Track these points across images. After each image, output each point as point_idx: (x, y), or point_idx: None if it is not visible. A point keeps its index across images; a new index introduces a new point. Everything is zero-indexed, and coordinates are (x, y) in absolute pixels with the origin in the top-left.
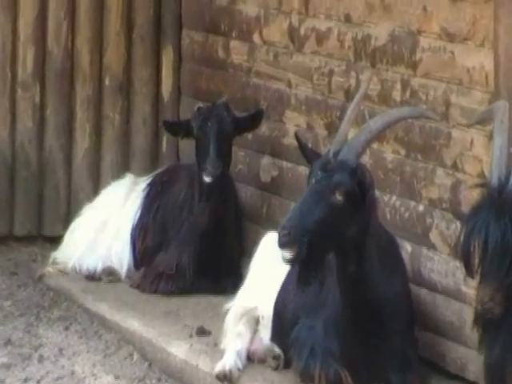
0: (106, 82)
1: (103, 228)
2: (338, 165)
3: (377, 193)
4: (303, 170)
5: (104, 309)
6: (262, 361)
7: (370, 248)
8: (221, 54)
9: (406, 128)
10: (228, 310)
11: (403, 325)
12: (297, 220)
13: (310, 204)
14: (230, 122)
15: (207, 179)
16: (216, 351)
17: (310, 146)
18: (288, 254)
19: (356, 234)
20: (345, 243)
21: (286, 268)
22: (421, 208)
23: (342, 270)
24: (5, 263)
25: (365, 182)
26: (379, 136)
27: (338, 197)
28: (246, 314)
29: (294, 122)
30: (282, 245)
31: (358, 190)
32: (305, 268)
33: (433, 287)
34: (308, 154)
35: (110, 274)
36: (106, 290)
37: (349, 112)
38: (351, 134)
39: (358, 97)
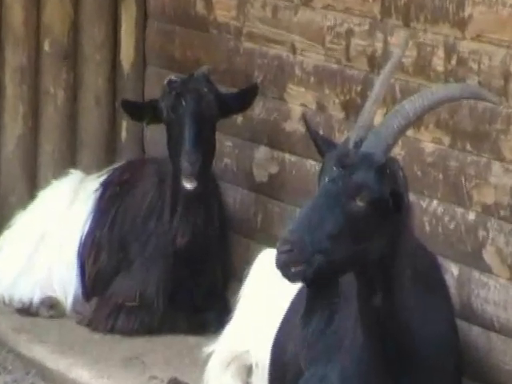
0: (46, 46)
1: (41, 244)
2: (361, 159)
3: (411, 196)
4: (312, 165)
5: (43, 354)
6: None
7: (401, 272)
8: (200, 8)
9: (450, 108)
10: (210, 355)
11: (447, 376)
12: (303, 232)
13: (322, 211)
14: (213, 101)
15: (187, 186)
16: None
17: (321, 132)
18: (291, 269)
19: (383, 254)
20: (368, 265)
21: (288, 298)
22: (471, 217)
23: (365, 301)
24: None
25: (396, 184)
26: (416, 122)
27: (360, 203)
28: (234, 361)
29: (299, 100)
30: (282, 265)
31: (387, 194)
32: (313, 294)
33: (487, 324)
34: (319, 142)
35: (50, 307)
36: (45, 328)
37: (376, 88)
38: (378, 117)
39: (388, 67)
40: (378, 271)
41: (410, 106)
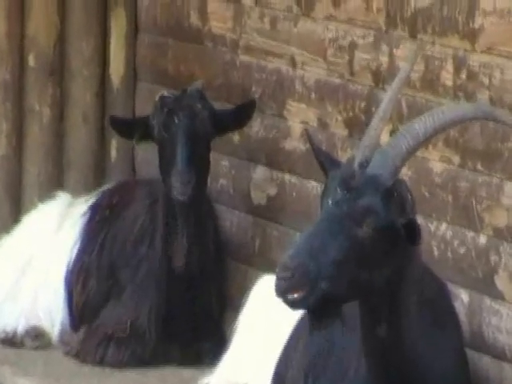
0: (30, 61)
1: (26, 270)
2: (367, 182)
3: (419, 219)
4: (313, 186)
5: None
6: None
7: (408, 299)
8: (194, 20)
9: (460, 126)
10: None
11: None
12: (304, 257)
13: (325, 236)
14: (207, 118)
15: (179, 197)
16: None
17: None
18: (294, 295)
19: (389, 280)
20: (373, 293)
21: (288, 327)
22: (482, 241)
23: (369, 330)
24: None
25: (405, 209)
26: (426, 143)
27: (366, 229)
28: None
29: (299, 117)
30: (282, 292)
31: (394, 219)
32: (315, 319)
33: (499, 354)
34: (323, 160)
35: (36, 337)
36: (30, 359)
37: (383, 104)
38: (383, 135)
39: (396, 82)
40: (383, 298)
41: (420, 125)
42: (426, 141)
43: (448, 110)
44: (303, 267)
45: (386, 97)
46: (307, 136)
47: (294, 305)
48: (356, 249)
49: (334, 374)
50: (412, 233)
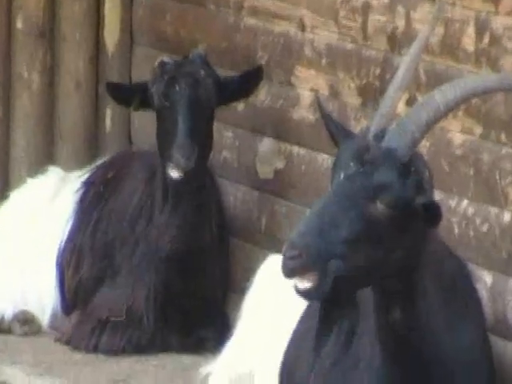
0: (18, 23)
1: (14, 251)
2: (383, 155)
3: (437, 195)
4: (324, 159)
5: (17, 376)
6: None
7: (425, 282)
8: None
9: None
10: (207, 377)
11: None
12: (313, 235)
13: (336, 212)
14: (210, 86)
15: (174, 174)
16: None
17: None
18: (303, 283)
19: (405, 261)
20: (387, 276)
21: (297, 311)
22: (507, 218)
23: (383, 316)
24: None
25: (422, 185)
26: (446, 115)
27: (381, 206)
28: None
29: (309, 84)
30: (289, 272)
31: (411, 197)
32: (328, 309)
33: None
34: (334, 130)
35: (25, 323)
36: (19, 346)
37: (400, 71)
38: (400, 105)
39: (415, 48)
40: (398, 281)
41: (441, 97)
42: (446, 113)
43: (471, 80)
44: (312, 246)
45: (404, 63)
46: (317, 104)
47: (306, 295)
48: (369, 227)
49: (345, 364)
50: (432, 215)
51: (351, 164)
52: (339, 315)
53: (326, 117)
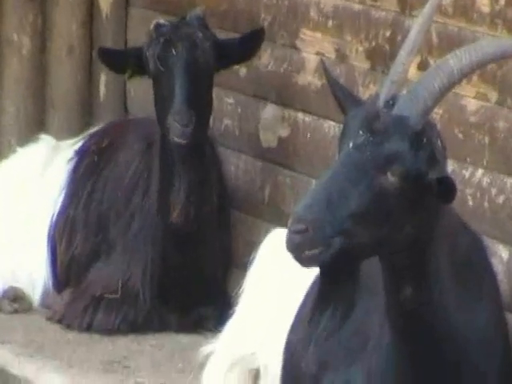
0: None
1: (3, 224)
2: (394, 124)
3: (451, 165)
4: (330, 126)
5: (6, 357)
6: None
7: (438, 258)
8: None
9: None
10: (208, 357)
11: (494, 381)
12: (321, 209)
13: (344, 184)
14: (209, 49)
15: (177, 139)
16: None
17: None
18: (305, 252)
19: (416, 236)
20: (397, 250)
21: (302, 288)
22: None
23: (393, 293)
24: None
25: (435, 156)
26: (460, 82)
27: (392, 178)
28: (237, 365)
29: (314, 47)
30: (295, 247)
31: (423, 168)
32: (328, 282)
33: None
34: (341, 96)
35: (14, 300)
36: (8, 325)
37: (412, 34)
38: (413, 72)
39: (427, 9)
40: (408, 257)
41: (456, 62)
42: (461, 79)
43: (487, 44)
44: (319, 220)
45: (416, 26)
46: (323, 68)
47: (306, 262)
48: (379, 200)
49: (352, 343)
50: (445, 190)
51: (360, 133)
52: (340, 286)
53: (332, 82)
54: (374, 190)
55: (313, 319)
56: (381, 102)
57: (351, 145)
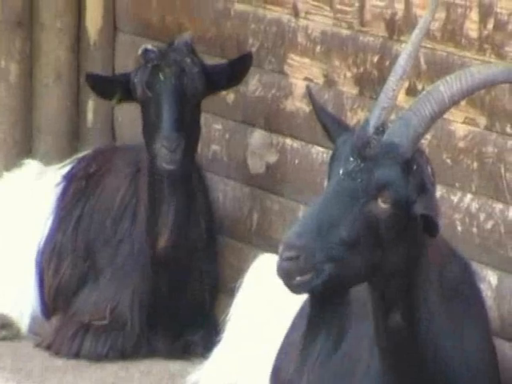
0: None
1: None
2: (385, 150)
3: (439, 190)
4: (319, 153)
5: None
6: None
7: (426, 283)
8: None
9: None
10: None
11: None
12: (311, 236)
13: (335, 211)
14: (197, 74)
15: (165, 165)
16: None
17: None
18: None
19: (404, 261)
20: (386, 276)
21: (289, 315)
22: None
23: (382, 319)
24: None
25: (425, 183)
26: (450, 108)
27: (382, 204)
28: None
29: (302, 73)
30: (285, 274)
31: (414, 194)
32: (318, 308)
33: None
34: (328, 123)
35: (2, 327)
36: None
37: (401, 60)
38: (402, 97)
39: (416, 34)
40: (397, 283)
41: (446, 88)
42: (451, 106)
43: (477, 71)
44: (310, 247)
45: (405, 52)
46: (308, 94)
47: (296, 289)
48: (370, 226)
49: (342, 369)
50: (429, 226)
51: (351, 159)
52: (330, 312)
53: (318, 108)
54: (364, 217)
55: (305, 346)
56: (371, 129)
57: (342, 171)
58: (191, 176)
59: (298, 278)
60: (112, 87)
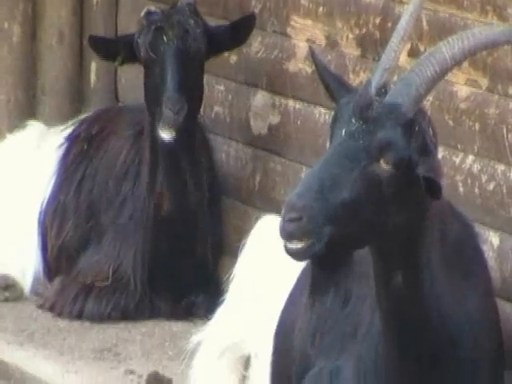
0: None
1: None
2: (387, 111)
3: (441, 151)
4: (321, 113)
5: None
6: None
7: (428, 244)
8: None
9: None
10: (198, 344)
11: (485, 368)
12: (313, 197)
13: (337, 172)
14: (200, 36)
15: (165, 136)
16: None
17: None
18: (296, 245)
19: (407, 223)
20: (388, 237)
21: (292, 274)
22: None
23: (383, 281)
24: None
25: (426, 144)
26: (453, 69)
27: (385, 166)
28: (227, 352)
29: (305, 34)
30: (288, 235)
31: (416, 155)
32: (319, 270)
33: None
34: (331, 84)
35: (5, 288)
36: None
37: (403, 20)
38: (404, 58)
39: None
40: (398, 244)
41: (448, 49)
42: (453, 66)
43: (479, 32)
44: (313, 208)
45: (407, 12)
46: (311, 55)
47: (297, 255)
48: (371, 188)
49: (344, 330)
50: (432, 188)
51: (353, 120)
52: (331, 276)
53: (321, 69)
54: (366, 178)
55: (312, 305)
56: (373, 90)
57: (344, 133)
58: (194, 136)
59: (299, 245)
60: (115, 49)
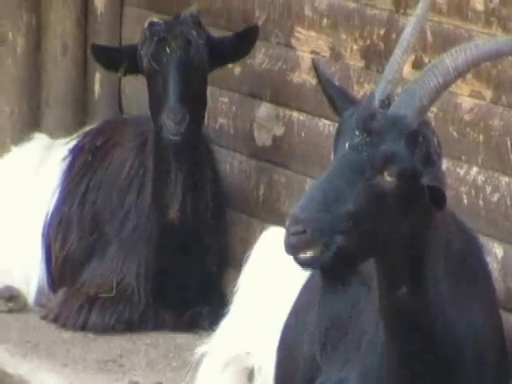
0: None
1: None
2: (390, 123)
3: (446, 163)
4: (325, 125)
5: (1, 355)
6: None
7: (433, 256)
8: None
9: None
10: (203, 356)
11: (490, 379)
12: (318, 209)
13: (341, 185)
14: (203, 47)
15: (171, 136)
16: None
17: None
18: (305, 254)
19: (411, 234)
20: (393, 250)
21: (296, 286)
22: None
23: (387, 292)
24: None
25: (430, 156)
26: (456, 80)
27: (388, 177)
28: (231, 364)
29: (309, 45)
30: (293, 248)
31: (420, 166)
32: (328, 278)
33: None
34: (334, 96)
35: (9, 299)
36: (3, 324)
37: (406, 32)
38: (407, 70)
39: (421, 6)
40: (404, 256)
41: (451, 60)
42: (457, 78)
43: (482, 43)
44: (317, 221)
45: (410, 24)
46: (314, 67)
47: (305, 264)
48: (375, 200)
49: (349, 342)
50: (436, 198)
51: (356, 133)
52: (339, 285)
53: (324, 82)
54: (371, 190)
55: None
56: (376, 102)
57: (347, 145)
58: (198, 148)
59: (308, 254)
60: (118, 59)
